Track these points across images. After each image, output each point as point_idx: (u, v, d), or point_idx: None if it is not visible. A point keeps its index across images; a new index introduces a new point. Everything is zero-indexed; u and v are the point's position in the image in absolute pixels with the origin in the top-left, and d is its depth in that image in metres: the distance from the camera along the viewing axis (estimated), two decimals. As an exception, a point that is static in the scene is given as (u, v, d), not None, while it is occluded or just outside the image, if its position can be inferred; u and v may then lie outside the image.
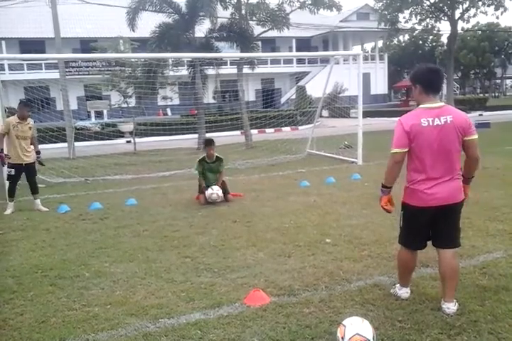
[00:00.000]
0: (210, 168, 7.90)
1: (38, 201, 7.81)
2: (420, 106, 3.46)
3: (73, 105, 22.02)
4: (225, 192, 7.79)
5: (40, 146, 8.19)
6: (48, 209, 7.67)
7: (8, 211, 7.58)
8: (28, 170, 7.66)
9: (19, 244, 5.76)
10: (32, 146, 7.73)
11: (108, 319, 3.64)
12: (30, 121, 7.69)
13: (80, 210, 7.49)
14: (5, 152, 7.50)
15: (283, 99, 39.97)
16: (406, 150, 3.38)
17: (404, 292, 3.75)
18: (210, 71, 18.32)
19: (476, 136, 3.42)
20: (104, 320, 3.63)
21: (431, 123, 3.33)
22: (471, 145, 3.42)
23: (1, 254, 5.40)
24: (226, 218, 6.62)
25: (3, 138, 7.47)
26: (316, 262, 4.69)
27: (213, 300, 3.90)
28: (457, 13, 25.29)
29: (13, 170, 7.55)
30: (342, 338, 3.00)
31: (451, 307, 3.46)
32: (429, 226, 3.53)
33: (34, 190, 7.77)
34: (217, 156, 7.94)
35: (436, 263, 4.36)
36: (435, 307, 3.56)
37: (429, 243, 3.66)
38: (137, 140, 17.10)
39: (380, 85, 44.58)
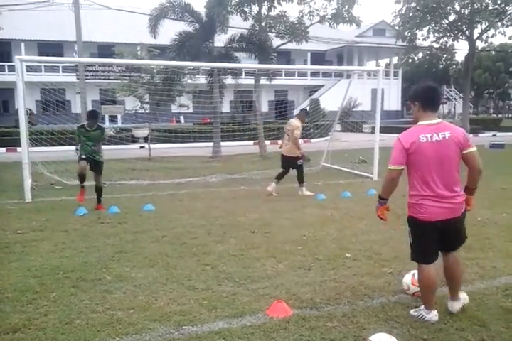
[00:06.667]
0: (88, 136, 8.00)
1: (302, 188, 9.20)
2: (419, 123, 3.55)
3: (88, 108, 22.13)
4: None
5: (55, 148, 8.30)
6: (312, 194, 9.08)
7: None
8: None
9: (39, 245, 5.79)
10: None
11: (132, 323, 3.66)
12: None
13: (98, 213, 7.55)
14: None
15: (295, 111, 40.11)
16: (402, 167, 3.51)
17: (433, 315, 3.64)
18: (228, 81, 18.43)
19: (474, 149, 3.52)
20: (128, 324, 3.65)
21: (429, 139, 3.43)
22: (472, 158, 3.52)
23: (22, 254, 5.44)
24: (243, 228, 6.63)
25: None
26: (336, 276, 4.68)
27: (236, 309, 3.91)
28: (475, 33, 25.39)
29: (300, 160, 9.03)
30: (369, 354, 3.00)
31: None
32: (438, 236, 3.58)
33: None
34: (98, 125, 8.13)
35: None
36: (460, 328, 3.55)
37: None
38: (151, 146, 17.18)
39: (393, 101, 44.60)
